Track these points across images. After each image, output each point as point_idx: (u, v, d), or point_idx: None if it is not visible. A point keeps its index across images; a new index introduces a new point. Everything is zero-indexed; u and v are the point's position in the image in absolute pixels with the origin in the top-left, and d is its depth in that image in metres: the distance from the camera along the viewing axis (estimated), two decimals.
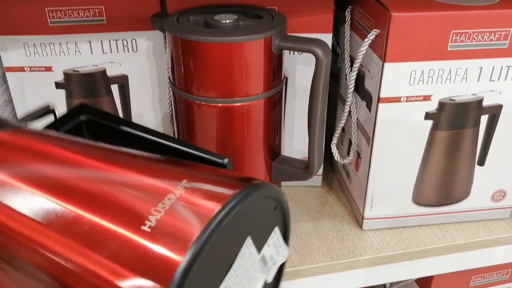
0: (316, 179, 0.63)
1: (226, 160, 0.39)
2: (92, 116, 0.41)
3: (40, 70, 0.55)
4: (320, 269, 0.51)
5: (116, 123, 0.41)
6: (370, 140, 0.52)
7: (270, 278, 0.37)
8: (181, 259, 0.27)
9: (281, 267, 0.39)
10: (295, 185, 0.63)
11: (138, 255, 0.28)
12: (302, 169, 0.50)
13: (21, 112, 0.57)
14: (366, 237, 0.54)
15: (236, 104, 0.46)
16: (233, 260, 0.32)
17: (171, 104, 0.55)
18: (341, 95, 0.61)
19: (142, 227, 0.28)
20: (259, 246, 0.35)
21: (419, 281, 0.72)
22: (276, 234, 0.37)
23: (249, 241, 0.34)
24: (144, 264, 0.27)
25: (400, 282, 0.68)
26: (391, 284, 0.72)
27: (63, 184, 0.31)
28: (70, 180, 0.31)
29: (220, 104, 0.46)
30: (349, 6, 0.55)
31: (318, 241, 0.54)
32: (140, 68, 0.56)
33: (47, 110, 0.42)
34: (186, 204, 0.29)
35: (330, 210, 0.59)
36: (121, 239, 0.28)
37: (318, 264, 0.51)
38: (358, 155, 0.56)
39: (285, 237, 0.38)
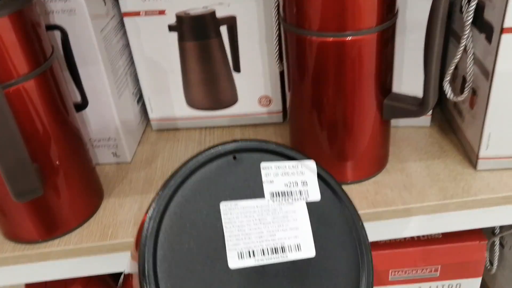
0: (425, 119, 0.61)
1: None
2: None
3: (154, 14, 0.58)
4: (432, 208, 0.50)
5: None
6: (489, 75, 0.49)
7: (314, 197, 0.36)
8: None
9: (329, 180, 0.37)
10: (402, 125, 0.62)
11: None
12: (416, 106, 0.49)
13: (137, 55, 0.60)
14: (481, 177, 0.52)
15: (348, 38, 0.45)
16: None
17: (278, 44, 0.55)
18: (454, 30, 0.58)
19: None
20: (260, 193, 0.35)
21: None
22: (270, 168, 0.36)
23: (226, 205, 0.34)
24: None
25: None
26: (501, 228, 0.69)
27: None
28: None
29: (331, 39, 0.46)
30: None
31: (429, 180, 0.53)
32: (247, 8, 0.57)
33: None
34: None
35: (440, 150, 0.57)
36: None
37: (430, 202, 0.50)
38: (474, 92, 0.53)
39: (290, 157, 0.36)
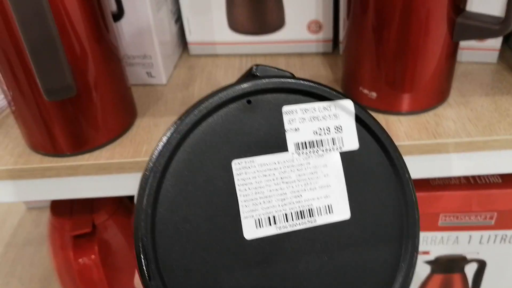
0: (491, 55, 0.56)
1: (289, 75, 0.30)
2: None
3: None
4: (501, 143, 0.45)
5: None
6: None
7: (351, 146, 0.29)
8: None
9: (370, 124, 0.30)
10: (465, 61, 0.56)
11: None
12: (496, 24, 0.43)
13: None
14: None
15: None
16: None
17: None
18: None
19: None
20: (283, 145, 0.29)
21: None
22: (294, 113, 0.28)
23: (239, 163, 0.27)
24: None
25: None
26: None
27: None
28: None
29: None
30: None
31: (497, 115, 0.47)
32: None
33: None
34: None
35: (509, 86, 0.52)
36: None
37: (499, 136, 0.45)
38: None
39: (321, 97, 0.29)
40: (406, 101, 0.48)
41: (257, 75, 0.29)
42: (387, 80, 0.47)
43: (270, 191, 0.28)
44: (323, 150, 0.29)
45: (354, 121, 0.30)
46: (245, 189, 0.28)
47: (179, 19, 0.61)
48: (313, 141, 0.29)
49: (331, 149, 0.29)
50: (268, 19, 0.58)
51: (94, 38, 0.43)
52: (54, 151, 0.46)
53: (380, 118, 0.48)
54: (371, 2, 0.44)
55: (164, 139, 0.27)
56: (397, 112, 0.48)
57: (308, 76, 0.56)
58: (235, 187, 0.27)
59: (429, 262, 0.59)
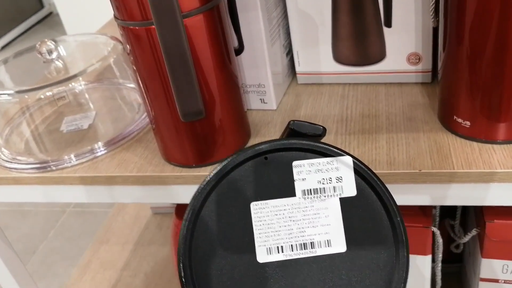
0: None
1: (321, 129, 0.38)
2: None
3: None
4: None
5: None
6: None
7: (349, 193, 0.35)
8: None
9: (366, 176, 0.36)
10: None
11: None
12: None
13: (291, 7, 0.63)
14: None
15: None
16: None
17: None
18: None
19: None
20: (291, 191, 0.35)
21: None
22: (302, 166, 0.35)
23: (256, 205, 0.35)
24: None
25: None
26: None
27: None
28: None
29: None
30: None
31: None
32: None
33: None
34: None
35: None
36: None
37: None
38: None
39: (325, 154, 0.35)
40: (499, 130, 0.50)
41: (293, 128, 0.38)
42: (481, 111, 0.50)
43: (280, 227, 0.35)
44: (325, 196, 0.36)
45: (353, 173, 0.36)
46: (260, 225, 0.36)
47: (289, 52, 0.69)
48: (317, 189, 0.36)
49: (332, 195, 0.36)
50: (370, 52, 0.64)
51: (220, 70, 0.52)
52: (183, 162, 0.56)
53: (474, 146, 0.51)
54: (465, 35, 0.48)
55: (202, 185, 0.36)
56: (491, 141, 0.51)
57: (406, 105, 0.61)
58: (252, 222, 0.36)
59: None
